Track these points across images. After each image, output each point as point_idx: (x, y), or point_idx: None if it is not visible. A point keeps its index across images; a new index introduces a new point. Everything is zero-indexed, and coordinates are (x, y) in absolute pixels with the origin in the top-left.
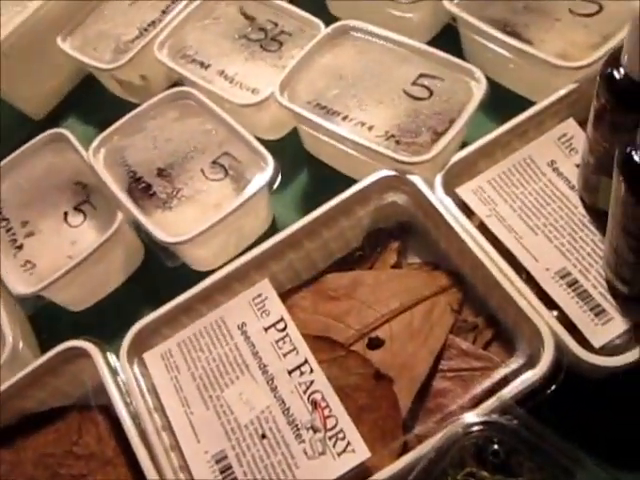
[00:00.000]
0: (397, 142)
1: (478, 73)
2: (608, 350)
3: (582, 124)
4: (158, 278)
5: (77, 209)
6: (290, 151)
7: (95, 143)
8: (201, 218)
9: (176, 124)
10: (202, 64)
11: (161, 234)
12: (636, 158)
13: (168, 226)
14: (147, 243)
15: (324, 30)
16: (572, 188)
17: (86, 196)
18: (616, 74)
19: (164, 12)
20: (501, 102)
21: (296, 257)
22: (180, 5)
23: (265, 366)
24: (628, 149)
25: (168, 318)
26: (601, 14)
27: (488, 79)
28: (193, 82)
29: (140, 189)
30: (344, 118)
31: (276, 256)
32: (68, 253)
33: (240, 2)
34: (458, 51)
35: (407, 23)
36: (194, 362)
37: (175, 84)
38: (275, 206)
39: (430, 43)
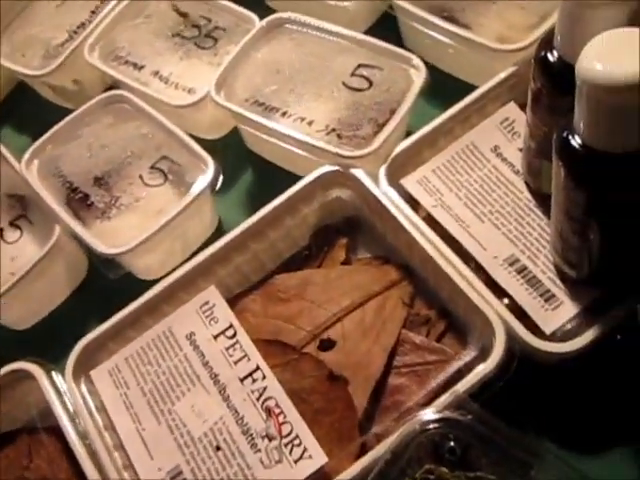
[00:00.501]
0: (339, 136)
1: (417, 60)
2: (560, 336)
3: (523, 107)
4: (104, 290)
5: (13, 224)
6: (232, 150)
7: (27, 154)
8: (143, 226)
9: (111, 130)
10: (135, 65)
11: (101, 246)
12: (573, 142)
13: (109, 236)
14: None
15: (259, 24)
16: (517, 173)
17: (22, 210)
18: (550, 57)
19: (93, 13)
20: (443, 88)
21: (243, 260)
22: (109, 5)
23: (216, 375)
24: (565, 133)
25: (114, 332)
26: None
27: (428, 65)
28: (127, 85)
29: (77, 200)
30: (283, 114)
31: (222, 260)
32: (9, 270)
33: None
34: (397, 39)
35: (343, 12)
36: (143, 376)
37: (110, 87)
38: (219, 208)
39: (368, 32)
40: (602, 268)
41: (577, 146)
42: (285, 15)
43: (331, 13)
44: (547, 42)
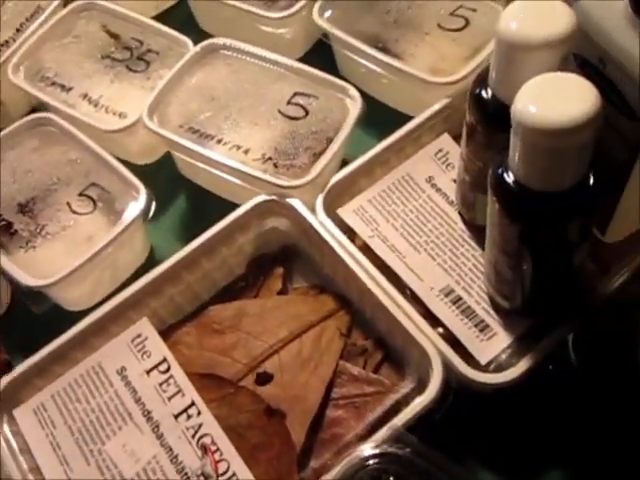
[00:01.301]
0: (275, 165)
1: (353, 90)
2: (494, 366)
3: (457, 138)
4: (28, 323)
5: None
6: (165, 175)
7: None
8: (70, 256)
9: (36, 154)
10: (63, 87)
11: (26, 277)
12: (508, 179)
13: (34, 267)
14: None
15: (193, 49)
16: (451, 203)
17: None
18: (485, 95)
19: (19, 30)
20: (379, 118)
21: (177, 291)
22: (36, 23)
23: (149, 412)
24: (500, 170)
25: (39, 368)
26: (468, 28)
27: (364, 94)
28: (54, 107)
29: (0, 228)
30: (219, 142)
31: (155, 292)
32: None
33: (103, 19)
34: (333, 66)
35: (279, 39)
36: (71, 415)
37: (35, 109)
38: (152, 235)
39: (304, 59)
40: (534, 299)
41: (511, 183)
42: (220, 41)
43: (267, 40)
44: (482, 80)
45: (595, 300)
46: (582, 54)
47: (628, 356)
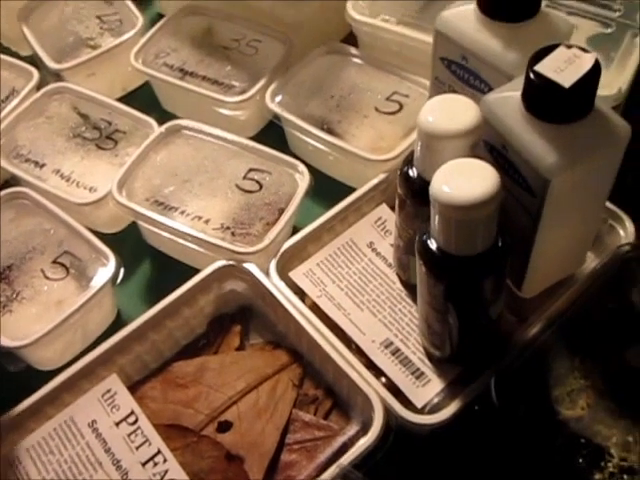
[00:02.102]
0: (232, 234)
1: (301, 167)
2: (429, 409)
3: (394, 208)
4: (6, 381)
5: None
6: (131, 242)
7: None
8: (44, 319)
9: (13, 224)
10: (37, 163)
11: (2, 338)
12: (431, 246)
13: (9, 329)
14: None
15: (157, 129)
16: (389, 266)
17: None
18: (411, 173)
19: None
20: (326, 189)
21: (143, 349)
22: (11, 104)
23: (118, 461)
24: (424, 237)
25: (14, 424)
26: (402, 111)
27: (313, 169)
28: (28, 182)
29: None
30: (182, 213)
31: (123, 350)
32: None
33: (73, 101)
34: (284, 143)
35: (235, 120)
36: (45, 467)
37: (8, 183)
38: (119, 297)
39: (258, 137)
40: (461, 348)
41: (434, 249)
42: (183, 122)
43: (224, 120)
44: (409, 160)
45: (513, 347)
46: (489, 141)
47: (543, 396)
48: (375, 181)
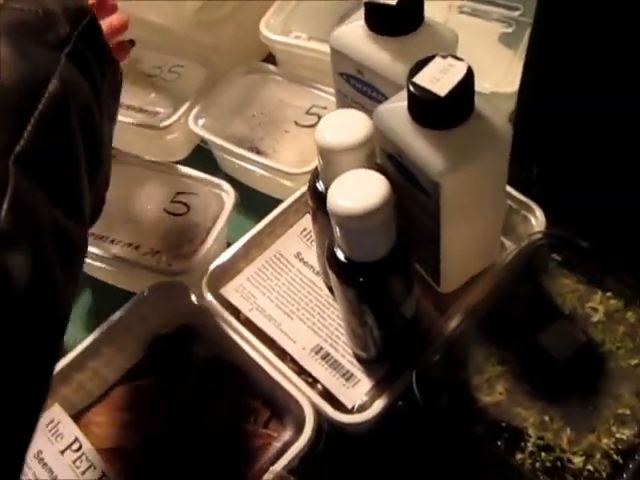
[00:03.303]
0: (163, 256)
1: (227, 186)
2: (359, 408)
3: None
4: None
5: None
6: None
7: None
8: None
9: None
10: None
11: None
12: (338, 254)
13: None
14: None
15: None
16: (317, 274)
17: None
18: (318, 186)
19: None
20: (257, 202)
21: (84, 377)
22: None
23: None
24: (332, 247)
25: None
26: None
27: (242, 185)
28: None
29: None
30: (112, 242)
31: (64, 380)
32: None
33: None
34: (214, 163)
35: (163, 145)
36: None
37: None
38: None
39: (189, 159)
40: (384, 348)
41: (341, 258)
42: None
43: (152, 147)
44: (316, 174)
45: (432, 341)
46: (386, 149)
47: (462, 386)
48: (298, 194)
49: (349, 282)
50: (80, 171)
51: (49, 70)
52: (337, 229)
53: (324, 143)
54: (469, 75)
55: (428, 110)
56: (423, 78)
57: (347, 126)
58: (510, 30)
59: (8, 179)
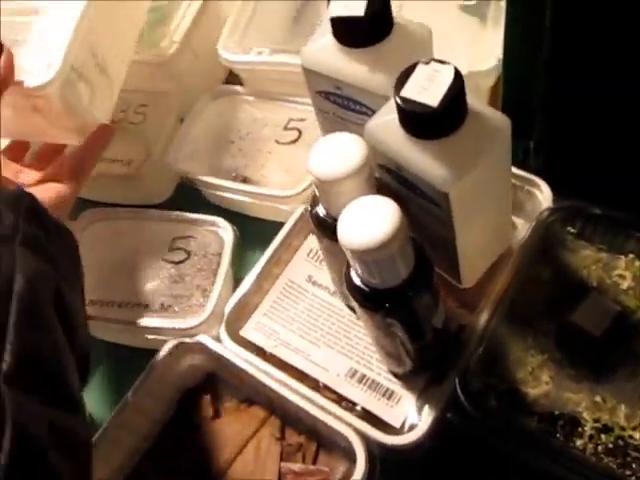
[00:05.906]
0: (174, 310)
1: (222, 221)
2: (407, 427)
3: None
4: None
5: None
6: None
7: None
8: None
9: None
10: None
11: None
12: (356, 281)
13: None
14: None
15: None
16: (333, 294)
17: None
18: (320, 212)
19: None
20: (257, 229)
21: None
22: None
23: None
24: (349, 272)
25: None
26: (302, 137)
27: (238, 214)
28: None
29: None
30: (119, 305)
31: (99, 458)
32: None
33: None
34: (202, 198)
35: (145, 190)
36: None
37: None
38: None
39: (174, 198)
40: (419, 359)
41: (362, 286)
42: (96, 212)
43: (135, 195)
44: (315, 201)
45: (467, 341)
46: (384, 164)
47: (508, 383)
48: (296, 215)
49: (375, 309)
50: (65, 356)
51: (9, 265)
52: (355, 262)
53: (321, 176)
54: (457, 78)
55: (423, 122)
56: (411, 90)
57: (340, 152)
58: (472, 3)
59: (5, 407)
